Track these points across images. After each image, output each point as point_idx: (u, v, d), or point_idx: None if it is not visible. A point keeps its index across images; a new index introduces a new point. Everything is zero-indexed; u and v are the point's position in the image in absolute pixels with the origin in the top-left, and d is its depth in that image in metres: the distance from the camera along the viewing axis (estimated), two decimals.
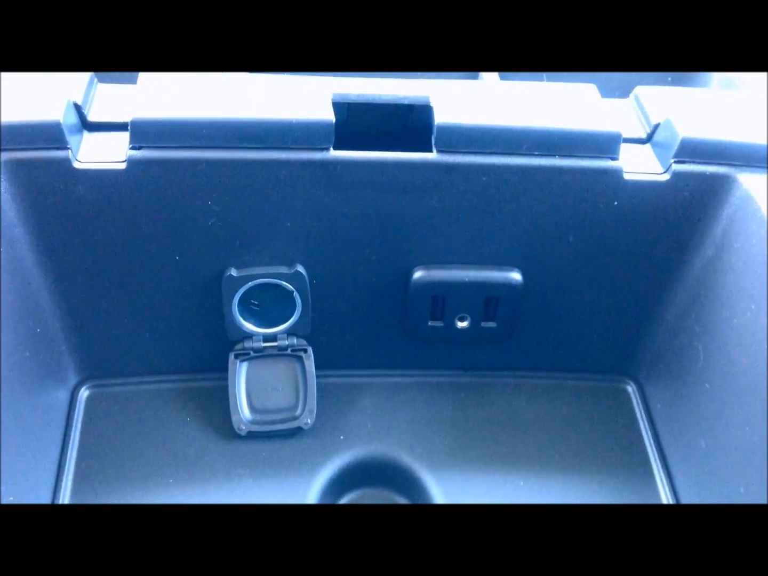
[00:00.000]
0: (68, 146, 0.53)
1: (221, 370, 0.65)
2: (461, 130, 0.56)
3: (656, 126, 0.59)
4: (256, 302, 0.64)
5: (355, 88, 0.58)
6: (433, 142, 0.56)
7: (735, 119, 0.60)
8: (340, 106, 0.56)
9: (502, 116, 0.56)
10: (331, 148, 0.55)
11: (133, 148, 0.54)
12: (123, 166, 0.54)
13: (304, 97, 0.56)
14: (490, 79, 0.70)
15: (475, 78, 0.72)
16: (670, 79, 0.72)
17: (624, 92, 0.73)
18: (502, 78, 0.71)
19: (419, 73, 0.71)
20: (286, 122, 0.54)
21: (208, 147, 0.54)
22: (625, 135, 0.58)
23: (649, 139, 0.60)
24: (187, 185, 0.55)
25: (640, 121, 0.61)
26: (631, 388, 0.70)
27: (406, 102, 0.57)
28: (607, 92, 0.73)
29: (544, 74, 0.72)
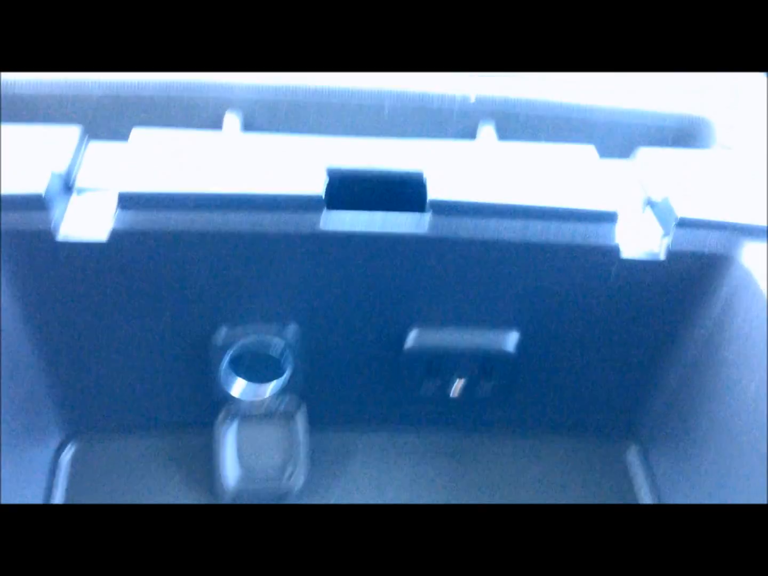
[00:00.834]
0: (51, 217, 0.52)
1: (211, 425, 0.64)
2: (454, 205, 0.55)
3: (654, 202, 0.58)
4: (248, 359, 0.63)
5: (349, 152, 0.57)
6: (426, 209, 0.55)
7: (735, 191, 0.58)
8: (333, 174, 0.55)
9: (497, 190, 0.55)
10: (322, 219, 0.54)
11: (119, 218, 0.53)
12: (108, 237, 0.53)
13: (297, 166, 0.55)
14: (487, 135, 0.69)
15: (474, 133, 0.71)
16: (671, 137, 0.71)
17: (624, 150, 0.72)
18: (500, 137, 0.69)
19: (414, 129, 0.71)
20: (277, 196, 0.53)
21: (196, 219, 0.53)
22: (622, 204, 0.57)
23: (647, 210, 0.59)
24: (175, 256, 0.54)
25: (639, 190, 0.60)
26: (633, 451, 0.69)
27: (398, 176, 0.56)
28: (606, 151, 0.72)
29: (542, 131, 0.71)
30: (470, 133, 0.70)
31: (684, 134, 0.72)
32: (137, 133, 0.56)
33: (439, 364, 0.63)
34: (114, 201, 0.53)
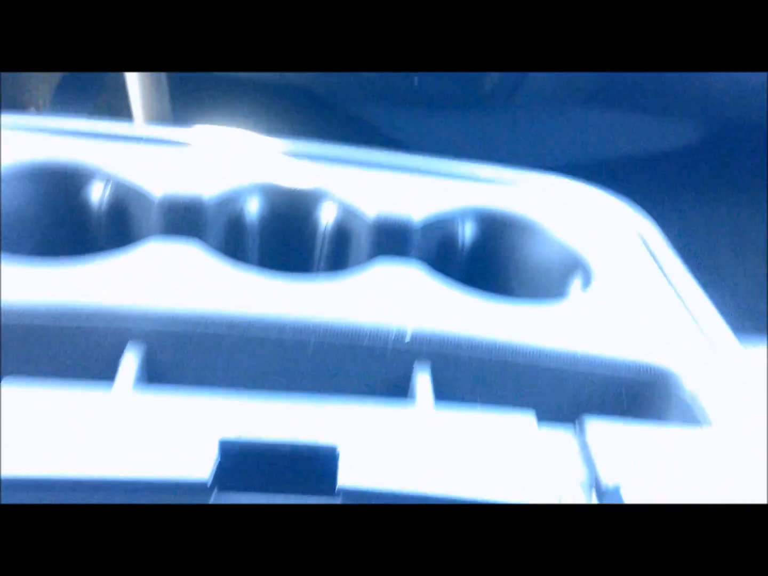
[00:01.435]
0: None
1: None
2: (370, 494, 0.47)
3: (603, 491, 0.50)
4: None
5: (253, 415, 0.49)
6: (336, 493, 0.47)
7: (696, 477, 0.51)
8: (227, 448, 0.47)
9: (421, 475, 0.47)
10: (212, 502, 0.46)
11: None
12: None
13: (186, 438, 0.47)
14: (422, 387, 0.61)
15: (407, 377, 0.63)
16: (625, 389, 0.64)
17: (570, 405, 0.65)
18: (436, 381, 0.62)
19: (341, 370, 0.64)
20: (153, 481, 0.45)
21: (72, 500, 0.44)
22: (564, 493, 0.50)
23: (593, 497, 0.51)
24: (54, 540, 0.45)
25: (584, 473, 0.52)
26: None
27: (307, 450, 0.48)
28: (551, 404, 0.65)
29: (482, 374, 0.64)
30: (404, 378, 0.63)
31: (641, 386, 0.65)
32: (5, 389, 0.48)
33: None
34: None
